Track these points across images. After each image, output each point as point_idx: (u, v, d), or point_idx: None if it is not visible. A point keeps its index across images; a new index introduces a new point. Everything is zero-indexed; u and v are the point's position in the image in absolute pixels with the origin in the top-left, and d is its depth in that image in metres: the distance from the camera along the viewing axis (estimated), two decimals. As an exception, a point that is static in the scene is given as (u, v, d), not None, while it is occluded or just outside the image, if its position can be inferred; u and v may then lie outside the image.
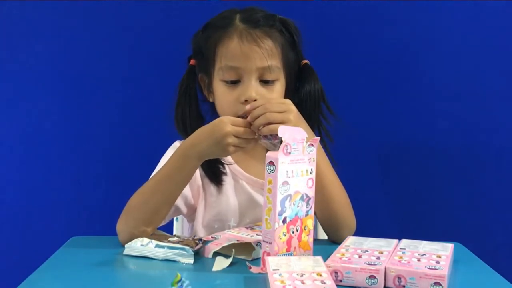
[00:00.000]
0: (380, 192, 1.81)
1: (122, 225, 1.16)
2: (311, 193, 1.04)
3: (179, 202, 1.25)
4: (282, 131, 1.00)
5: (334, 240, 1.22)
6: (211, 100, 1.30)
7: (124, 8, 1.76)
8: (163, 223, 1.27)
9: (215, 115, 1.31)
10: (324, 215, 1.21)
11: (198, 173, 1.28)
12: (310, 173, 1.03)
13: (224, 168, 1.29)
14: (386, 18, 1.76)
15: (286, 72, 1.27)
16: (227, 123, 1.10)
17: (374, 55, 1.77)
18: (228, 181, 1.29)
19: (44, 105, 1.79)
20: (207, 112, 1.33)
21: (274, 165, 0.98)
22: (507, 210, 1.79)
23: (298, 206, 1.02)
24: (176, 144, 1.32)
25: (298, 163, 1.01)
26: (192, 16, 1.74)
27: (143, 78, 1.79)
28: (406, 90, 1.78)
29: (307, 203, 1.04)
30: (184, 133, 1.28)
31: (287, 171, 0.99)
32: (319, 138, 1.07)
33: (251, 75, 1.21)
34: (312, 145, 1.03)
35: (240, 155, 1.31)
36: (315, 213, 1.19)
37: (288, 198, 1.00)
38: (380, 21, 1.76)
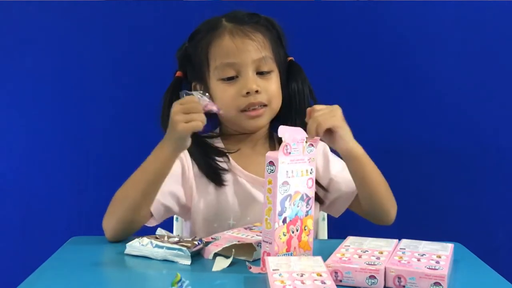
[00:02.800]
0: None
1: (106, 222, 1.18)
2: (311, 193, 1.04)
3: (170, 202, 1.26)
4: (282, 131, 1.00)
5: (381, 222, 1.29)
6: None
7: (124, 8, 1.76)
8: (156, 223, 1.26)
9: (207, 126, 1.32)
10: (368, 204, 1.27)
11: (191, 173, 1.29)
12: (310, 173, 1.03)
13: (225, 166, 1.29)
14: (386, 18, 1.76)
15: (277, 65, 1.29)
16: (175, 104, 1.13)
17: (374, 55, 1.77)
18: (227, 179, 1.29)
19: (44, 105, 1.79)
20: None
21: (274, 165, 0.97)
22: (507, 210, 1.79)
23: (298, 206, 1.02)
24: None
25: (298, 163, 1.01)
26: (192, 16, 1.74)
27: (143, 78, 1.78)
28: (406, 90, 1.78)
29: (307, 203, 1.04)
30: None
31: (287, 171, 0.99)
32: (319, 138, 1.07)
33: (248, 68, 1.23)
34: (312, 145, 1.03)
35: (240, 154, 1.31)
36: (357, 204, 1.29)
37: (288, 198, 1.00)
38: (380, 21, 1.76)
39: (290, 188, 0.99)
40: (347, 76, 1.76)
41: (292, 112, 1.30)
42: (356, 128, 1.75)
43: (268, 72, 1.26)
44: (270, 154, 0.99)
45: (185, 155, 1.29)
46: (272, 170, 0.98)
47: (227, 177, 1.29)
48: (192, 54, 1.30)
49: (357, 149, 1.20)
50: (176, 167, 1.27)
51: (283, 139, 0.99)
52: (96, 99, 1.79)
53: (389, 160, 1.81)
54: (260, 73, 1.25)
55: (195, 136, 1.28)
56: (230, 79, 1.24)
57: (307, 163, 1.02)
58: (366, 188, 1.24)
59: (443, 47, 1.76)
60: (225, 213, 1.28)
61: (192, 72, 1.32)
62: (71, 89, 1.79)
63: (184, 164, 1.29)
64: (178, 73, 1.33)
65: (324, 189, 1.33)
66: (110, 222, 1.17)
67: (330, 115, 1.14)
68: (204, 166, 1.28)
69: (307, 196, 1.03)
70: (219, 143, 1.33)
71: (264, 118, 1.28)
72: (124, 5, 1.76)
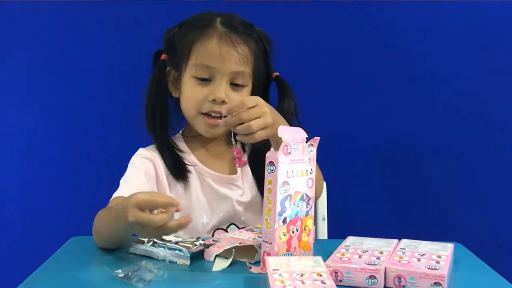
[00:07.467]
0: (380, 192, 1.81)
1: (94, 236, 1.16)
2: (311, 193, 1.04)
3: None
4: (282, 131, 1.00)
5: None
6: (176, 95, 1.32)
7: (124, 8, 1.76)
8: None
9: (177, 111, 1.33)
10: None
11: (164, 174, 1.29)
12: (310, 173, 1.03)
13: (190, 166, 1.30)
14: (386, 18, 1.77)
15: (254, 80, 1.29)
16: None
17: (374, 55, 1.77)
18: (193, 180, 1.30)
19: (45, 105, 1.79)
20: (172, 109, 1.34)
21: (274, 165, 0.97)
22: (507, 210, 1.79)
23: (298, 206, 1.02)
24: (140, 151, 1.33)
25: (298, 163, 1.01)
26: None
27: (143, 78, 1.78)
28: (406, 90, 1.78)
29: (307, 203, 1.04)
30: (153, 131, 1.31)
31: (287, 171, 0.99)
32: (318, 138, 1.07)
33: (223, 76, 1.24)
34: (312, 145, 1.03)
35: (204, 155, 1.33)
36: None
37: (288, 198, 1.00)
38: (380, 21, 1.77)
39: (290, 188, 0.99)
40: (346, 76, 1.77)
41: None
42: (356, 128, 1.77)
43: (242, 86, 1.26)
44: (270, 154, 0.99)
45: (154, 158, 1.30)
46: (272, 170, 0.98)
47: (194, 177, 1.30)
48: (177, 42, 1.29)
49: None
50: (150, 169, 1.28)
51: (283, 139, 0.99)
52: (97, 99, 1.79)
53: (389, 160, 1.81)
54: (233, 84, 1.26)
55: (163, 136, 1.31)
56: (203, 80, 1.25)
57: (307, 163, 1.02)
58: None
59: (441, 47, 1.76)
60: (197, 212, 1.29)
61: (172, 58, 1.31)
62: (71, 89, 1.79)
63: (156, 166, 1.29)
64: (164, 56, 1.32)
65: None
66: (96, 241, 1.15)
67: (257, 114, 1.09)
68: (171, 164, 1.29)
69: (307, 196, 1.03)
70: (182, 145, 1.34)
71: (220, 129, 1.25)
72: (124, 5, 1.76)
